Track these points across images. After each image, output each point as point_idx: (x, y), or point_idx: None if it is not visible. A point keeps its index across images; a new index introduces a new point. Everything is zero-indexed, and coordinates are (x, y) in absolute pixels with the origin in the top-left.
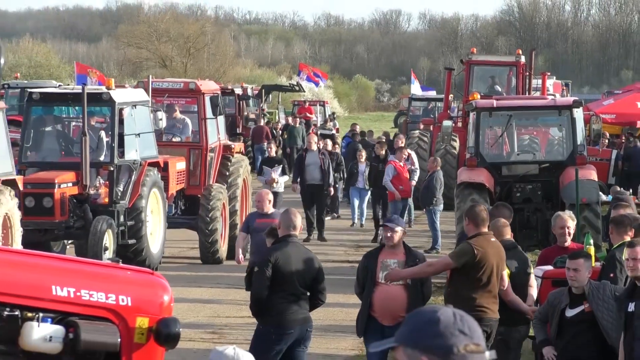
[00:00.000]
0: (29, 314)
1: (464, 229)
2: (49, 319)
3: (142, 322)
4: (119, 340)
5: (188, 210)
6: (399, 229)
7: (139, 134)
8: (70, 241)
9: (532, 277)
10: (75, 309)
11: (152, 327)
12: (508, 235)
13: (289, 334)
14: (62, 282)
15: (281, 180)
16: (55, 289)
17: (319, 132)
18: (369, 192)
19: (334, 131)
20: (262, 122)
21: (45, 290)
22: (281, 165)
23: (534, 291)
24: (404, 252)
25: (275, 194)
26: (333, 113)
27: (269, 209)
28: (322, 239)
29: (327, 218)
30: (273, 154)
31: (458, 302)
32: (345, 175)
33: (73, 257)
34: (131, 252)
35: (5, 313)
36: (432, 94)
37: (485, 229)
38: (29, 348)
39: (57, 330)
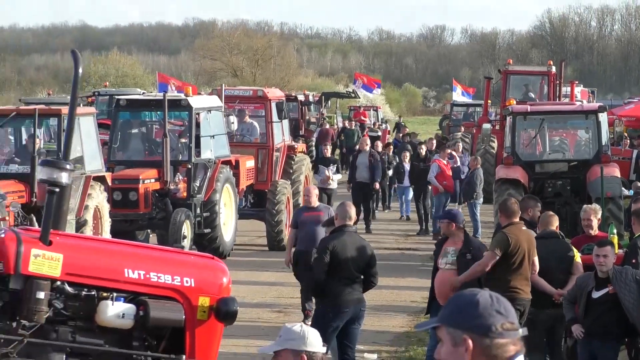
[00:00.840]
0: (104, 294)
1: (499, 219)
2: (122, 298)
3: (204, 301)
4: (184, 317)
5: (256, 203)
6: (446, 221)
7: (213, 136)
8: (152, 230)
9: (578, 264)
10: (145, 290)
11: (212, 305)
12: (554, 226)
13: (344, 313)
14: (133, 266)
15: (335, 177)
16: (127, 272)
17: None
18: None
19: (379, 132)
20: (327, 126)
21: (118, 273)
22: (335, 165)
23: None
24: (462, 240)
25: (330, 190)
26: (384, 118)
27: (316, 202)
28: (369, 231)
29: (381, 211)
30: (328, 154)
31: (494, 284)
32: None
33: (144, 243)
34: (206, 240)
35: (84, 293)
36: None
37: (517, 219)
38: (104, 324)
39: (129, 308)
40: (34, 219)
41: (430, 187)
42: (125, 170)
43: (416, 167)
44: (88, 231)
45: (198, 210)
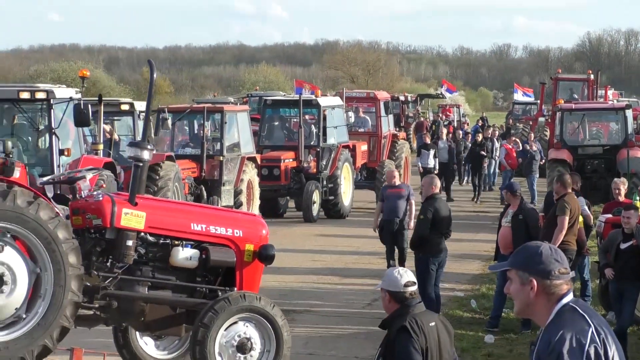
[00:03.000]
0: (176, 242)
1: (555, 189)
2: (189, 245)
3: (249, 247)
4: (235, 259)
5: (368, 177)
6: (506, 191)
7: (336, 127)
8: (290, 197)
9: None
10: (206, 239)
11: (255, 250)
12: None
13: (439, 258)
14: (197, 221)
15: (433, 160)
16: (193, 226)
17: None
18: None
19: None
20: (421, 119)
21: (186, 226)
22: (433, 150)
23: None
24: (518, 205)
25: (430, 168)
26: (464, 114)
27: (397, 181)
28: (450, 199)
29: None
30: (428, 141)
31: (546, 236)
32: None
33: (206, 205)
34: (330, 204)
35: (161, 241)
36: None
37: (570, 190)
38: (176, 264)
39: (194, 252)
40: (203, 189)
41: (484, 165)
42: (270, 152)
43: (473, 151)
44: (242, 198)
45: (324, 182)
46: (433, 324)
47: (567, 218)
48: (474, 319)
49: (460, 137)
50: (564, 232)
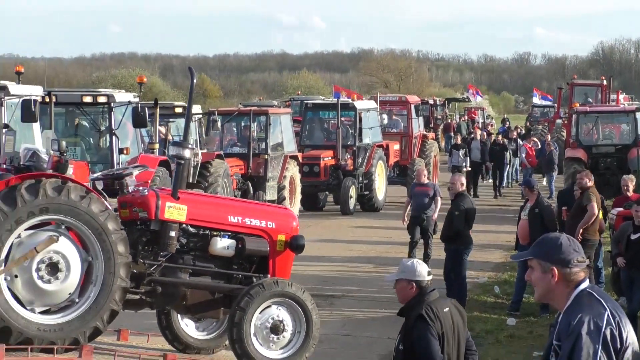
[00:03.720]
0: (215, 233)
1: (582, 183)
2: (227, 236)
3: (281, 237)
4: (268, 249)
5: (400, 174)
6: (525, 187)
7: (371, 128)
8: (329, 192)
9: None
10: (242, 230)
11: (287, 241)
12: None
13: (469, 249)
14: (234, 214)
15: (464, 159)
16: (230, 218)
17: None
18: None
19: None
20: (449, 121)
21: (224, 218)
22: (464, 150)
23: None
24: (535, 200)
25: (461, 167)
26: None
27: (425, 180)
28: (476, 195)
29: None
30: (459, 141)
31: (572, 227)
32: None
33: (241, 199)
34: (365, 199)
35: (201, 232)
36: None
37: (592, 184)
38: (214, 253)
39: (231, 242)
40: (250, 184)
41: (504, 164)
42: (310, 151)
43: (494, 151)
44: (285, 193)
45: (360, 179)
46: (447, 309)
47: (595, 204)
48: (497, 303)
49: (485, 137)
50: (594, 216)
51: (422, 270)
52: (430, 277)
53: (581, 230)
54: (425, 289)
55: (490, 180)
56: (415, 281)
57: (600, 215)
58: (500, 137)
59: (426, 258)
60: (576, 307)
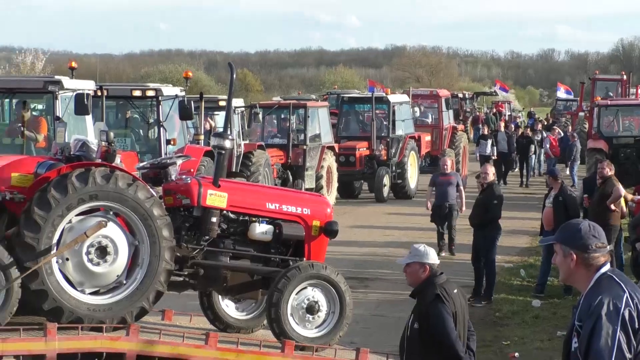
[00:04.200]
0: (254, 219)
1: (602, 172)
2: (265, 221)
3: (316, 223)
4: (304, 234)
5: (432, 163)
6: (549, 176)
7: (403, 120)
8: (364, 181)
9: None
10: (280, 216)
11: (321, 226)
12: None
13: (499, 234)
14: (272, 200)
15: (491, 148)
16: (268, 205)
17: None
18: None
19: (518, 121)
20: (477, 113)
21: (262, 205)
22: (491, 140)
23: None
24: (559, 188)
25: (488, 156)
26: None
27: (448, 169)
28: (505, 184)
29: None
30: (486, 132)
31: (595, 213)
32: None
33: (279, 187)
34: (398, 187)
35: (240, 218)
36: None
37: (613, 173)
38: (253, 238)
39: (269, 228)
40: (289, 173)
41: (530, 155)
42: (347, 142)
43: (519, 142)
44: (323, 182)
45: (394, 168)
46: (456, 291)
47: (621, 186)
48: (522, 285)
49: (512, 130)
50: (622, 195)
51: (433, 254)
52: (438, 262)
53: (612, 205)
54: (436, 271)
55: (517, 170)
56: (428, 264)
57: (622, 202)
58: (528, 129)
59: (450, 242)
60: (597, 289)
